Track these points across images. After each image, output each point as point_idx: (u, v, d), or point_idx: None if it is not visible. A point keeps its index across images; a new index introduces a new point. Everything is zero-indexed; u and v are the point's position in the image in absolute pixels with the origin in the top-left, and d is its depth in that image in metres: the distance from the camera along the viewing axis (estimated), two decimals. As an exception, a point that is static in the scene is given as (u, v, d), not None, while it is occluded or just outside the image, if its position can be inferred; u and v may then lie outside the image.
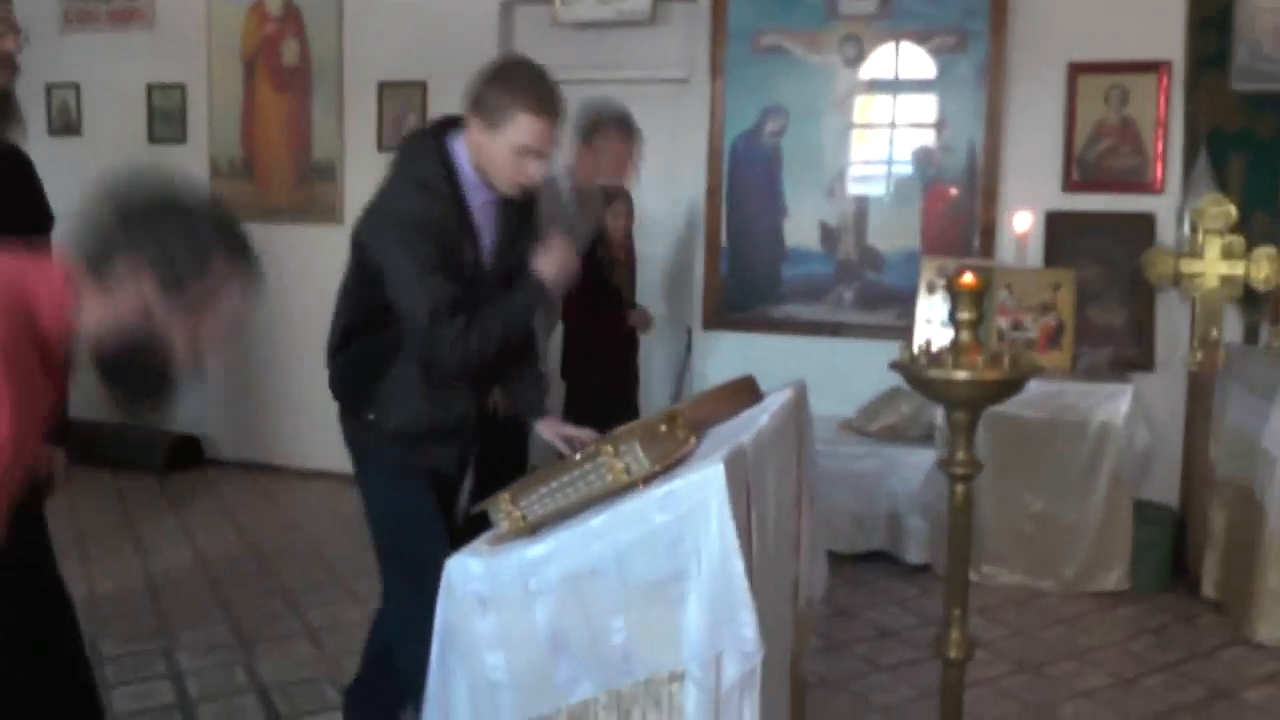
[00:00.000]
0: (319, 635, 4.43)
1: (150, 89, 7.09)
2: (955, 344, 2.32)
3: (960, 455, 2.39)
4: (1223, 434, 4.87)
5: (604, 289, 5.37)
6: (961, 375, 2.27)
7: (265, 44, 6.77)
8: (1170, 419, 5.36)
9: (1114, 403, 4.90)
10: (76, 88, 7.23)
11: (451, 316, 2.71)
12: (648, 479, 2.05)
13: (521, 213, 2.97)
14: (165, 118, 7.06)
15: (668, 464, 2.10)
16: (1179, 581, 5.03)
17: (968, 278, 2.29)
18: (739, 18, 5.86)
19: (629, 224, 5.59)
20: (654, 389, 6.16)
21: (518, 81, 2.75)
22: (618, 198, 5.55)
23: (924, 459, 5.06)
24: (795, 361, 5.55)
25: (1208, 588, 4.86)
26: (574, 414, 5.46)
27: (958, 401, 2.35)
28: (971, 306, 2.31)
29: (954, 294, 2.32)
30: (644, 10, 5.96)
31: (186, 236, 1.76)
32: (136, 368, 1.83)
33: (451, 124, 2.88)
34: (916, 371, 2.32)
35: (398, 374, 2.87)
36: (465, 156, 2.81)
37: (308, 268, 6.89)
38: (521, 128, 2.70)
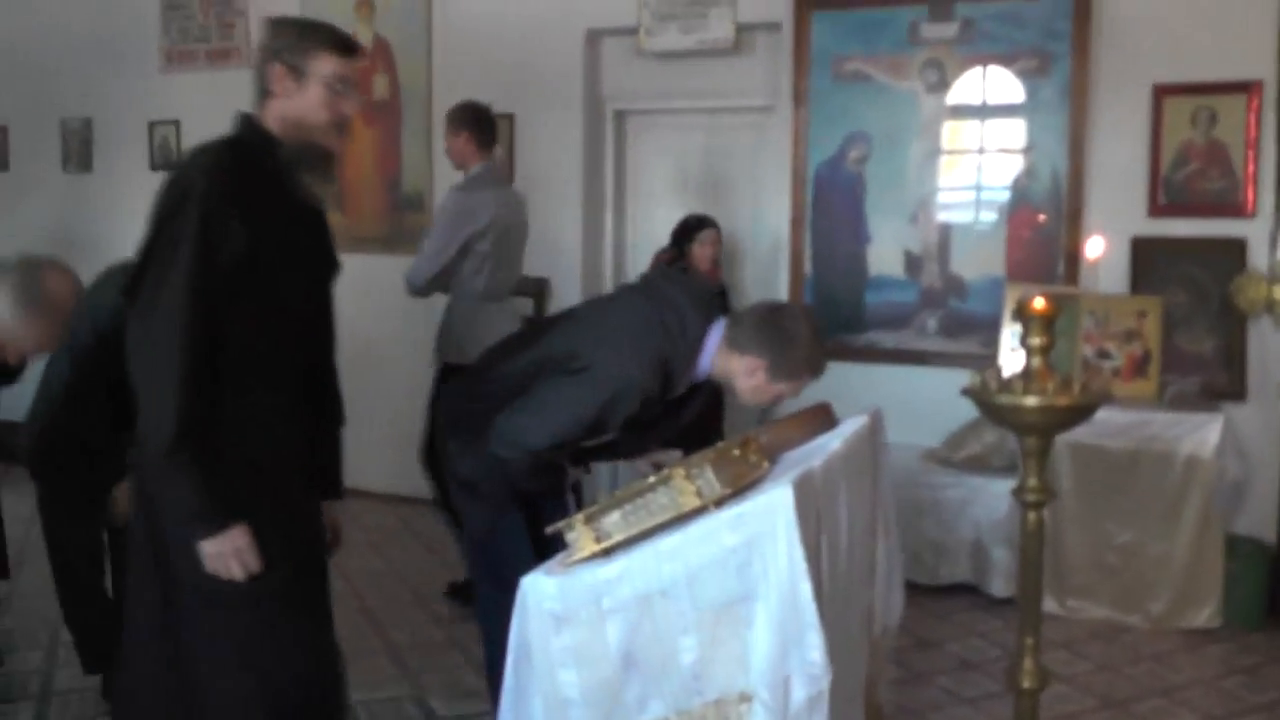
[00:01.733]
0: (401, 654, 4.51)
1: (247, 124, 7.29)
2: (1026, 370, 2.31)
3: (1032, 482, 2.38)
4: (1318, 465, 4.75)
5: None
6: (1031, 401, 2.26)
7: (358, 78, 6.93)
8: (1266, 450, 5.23)
9: (1203, 433, 4.80)
10: (177, 124, 7.47)
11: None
12: (719, 501, 2.09)
13: None
14: (261, 151, 7.26)
15: (739, 487, 2.13)
16: (1275, 619, 4.90)
17: (1039, 302, 2.28)
18: (821, 45, 5.88)
19: (716, 252, 5.64)
20: (739, 416, 6.16)
21: None
22: (706, 225, 5.60)
23: (1008, 488, 4.99)
24: (879, 389, 5.55)
25: (1305, 626, 4.73)
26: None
27: (1029, 427, 2.34)
28: (1043, 332, 2.30)
29: (1025, 319, 2.32)
30: (727, 39, 6.01)
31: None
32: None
33: None
34: (987, 397, 2.32)
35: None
36: None
37: (399, 296, 7.04)
38: None
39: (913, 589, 4.96)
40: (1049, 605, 4.82)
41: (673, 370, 2.91)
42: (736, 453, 2.21)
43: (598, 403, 2.83)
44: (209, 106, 7.46)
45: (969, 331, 5.71)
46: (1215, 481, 4.79)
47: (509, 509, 3.10)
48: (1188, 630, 4.81)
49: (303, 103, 2.54)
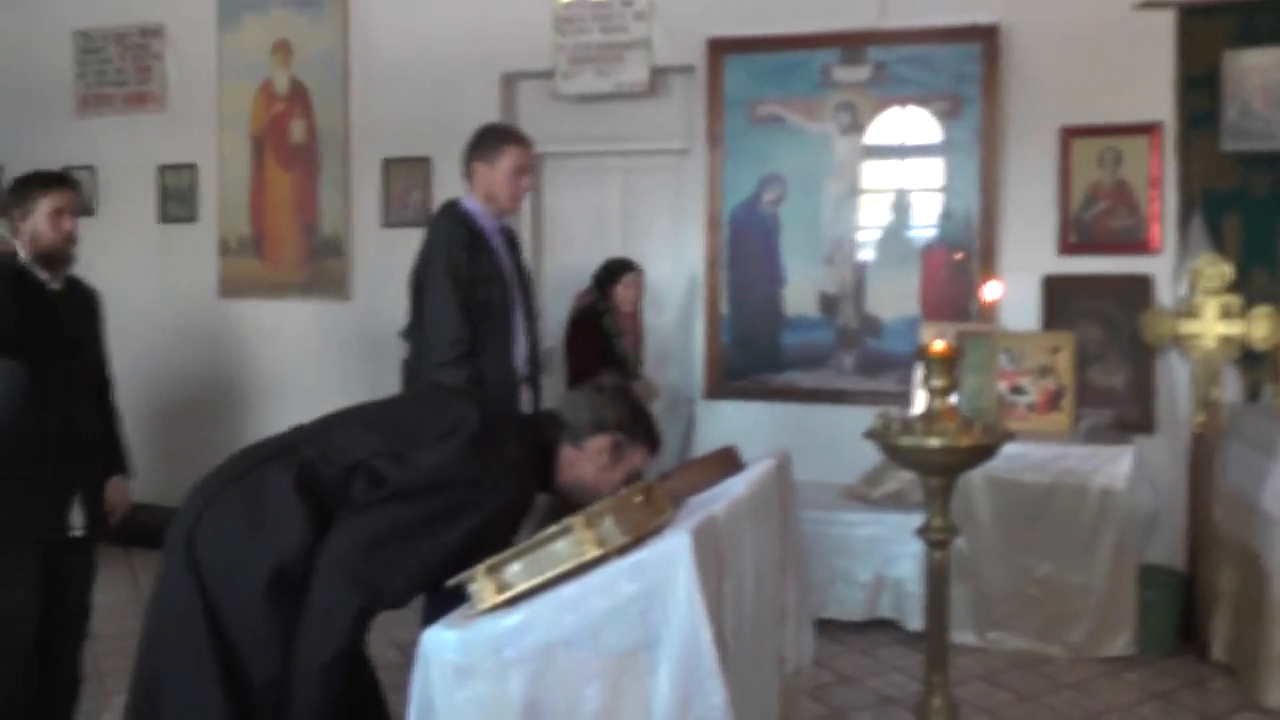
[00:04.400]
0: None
1: (162, 169, 7.22)
2: (928, 411, 2.34)
3: (936, 521, 2.41)
4: (1225, 495, 4.84)
5: (611, 359, 5.45)
6: (934, 443, 2.29)
7: (274, 122, 6.90)
8: (1174, 481, 5.34)
9: (1115, 465, 4.88)
10: (92, 169, 7.37)
11: None
12: (621, 550, 2.08)
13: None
14: (177, 197, 7.17)
15: (641, 535, 2.12)
16: (1188, 645, 4.97)
17: (938, 345, 2.32)
18: (736, 87, 5.95)
19: (638, 294, 5.68)
20: (658, 460, 6.16)
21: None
22: (629, 269, 5.63)
23: (926, 524, 5.04)
24: (797, 429, 5.60)
25: (1217, 651, 4.80)
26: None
27: (932, 468, 2.37)
28: (944, 374, 2.33)
29: (926, 362, 2.35)
30: (642, 82, 6.07)
31: None
32: None
33: None
34: (890, 439, 2.34)
35: None
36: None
37: (316, 342, 6.97)
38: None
39: (833, 626, 5.00)
40: (968, 637, 4.87)
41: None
42: (639, 500, 2.20)
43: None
44: (124, 151, 7.41)
45: (886, 370, 5.77)
46: (1128, 512, 4.87)
47: None
48: (1105, 658, 4.87)
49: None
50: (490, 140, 4.07)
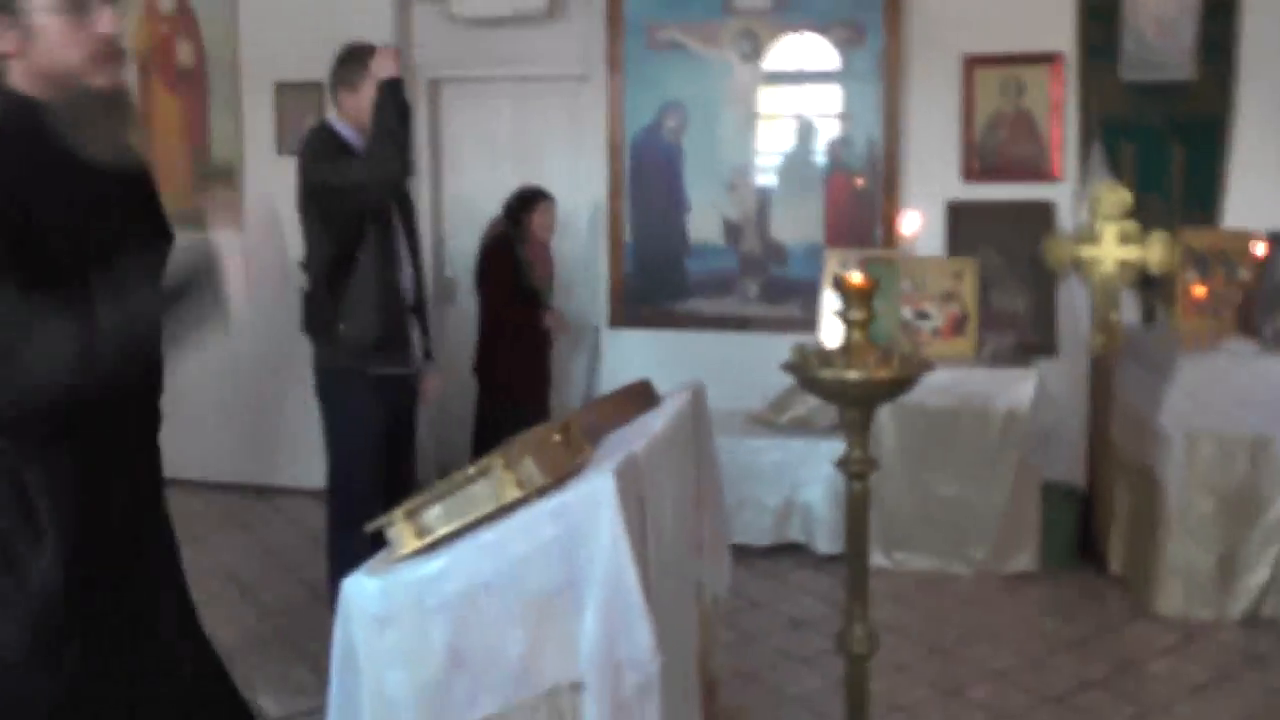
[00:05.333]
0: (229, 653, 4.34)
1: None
2: (846, 344, 2.33)
3: (856, 454, 2.41)
4: (1123, 414, 4.97)
5: (523, 288, 5.38)
6: (853, 375, 2.28)
7: (159, 44, 6.61)
8: (1074, 402, 5.47)
9: (1018, 388, 4.97)
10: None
11: None
12: (541, 491, 2.04)
13: None
14: (56, 123, 6.86)
15: (561, 476, 2.09)
16: (1087, 560, 5.13)
17: (856, 278, 2.30)
18: (636, 12, 5.86)
19: (552, 223, 5.58)
20: (565, 388, 6.14)
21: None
22: (544, 197, 5.53)
23: (833, 449, 5.06)
24: (703, 356, 5.60)
25: (1114, 564, 4.96)
26: (487, 412, 5.47)
27: (851, 400, 2.36)
28: (861, 306, 2.32)
29: (844, 294, 2.33)
30: (540, 6, 5.92)
31: None
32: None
33: None
34: (809, 371, 2.33)
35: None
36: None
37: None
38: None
39: (743, 551, 5.05)
40: (876, 559, 4.95)
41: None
42: (557, 439, 2.16)
43: None
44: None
45: (790, 296, 5.80)
46: (1031, 433, 4.97)
47: None
48: (1008, 575, 5.00)
49: (41, 47, 2.00)
50: (352, 62, 3.91)
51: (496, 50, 6.19)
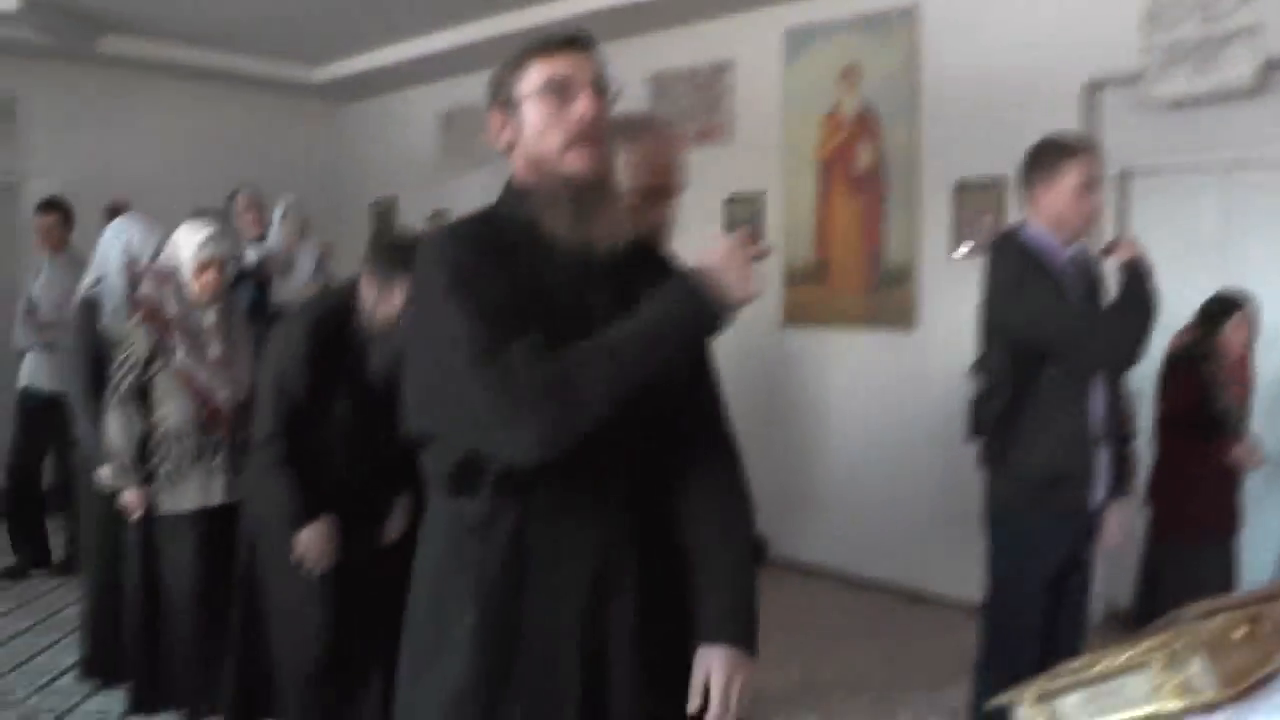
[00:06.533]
0: None
1: (729, 199, 7.32)
2: None
3: None
4: None
5: (1209, 411, 4.68)
6: None
7: (840, 149, 6.74)
8: None
9: None
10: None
11: None
12: (1211, 707, 1.57)
13: None
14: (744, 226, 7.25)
15: (1241, 690, 1.60)
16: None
17: None
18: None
19: (1248, 336, 4.79)
20: (1258, 536, 5.15)
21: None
22: (1239, 306, 4.78)
23: None
24: None
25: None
26: (1157, 550, 4.77)
27: None
28: None
29: None
30: (1246, 78, 5.12)
31: None
32: None
33: None
34: None
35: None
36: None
37: (878, 373, 6.77)
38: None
39: None
40: None
41: None
42: (1244, 632, 1.67)
43: None
44: (695, 182, 7.57)
45: None
46: None
47: None
48: None
49: (528, 134, 2.03)
50: (1047, 156, 3.50)
51: (1194, 134, 5.53)
